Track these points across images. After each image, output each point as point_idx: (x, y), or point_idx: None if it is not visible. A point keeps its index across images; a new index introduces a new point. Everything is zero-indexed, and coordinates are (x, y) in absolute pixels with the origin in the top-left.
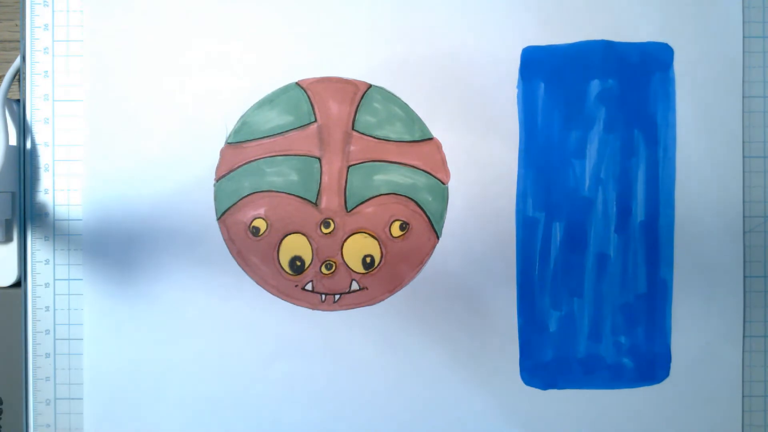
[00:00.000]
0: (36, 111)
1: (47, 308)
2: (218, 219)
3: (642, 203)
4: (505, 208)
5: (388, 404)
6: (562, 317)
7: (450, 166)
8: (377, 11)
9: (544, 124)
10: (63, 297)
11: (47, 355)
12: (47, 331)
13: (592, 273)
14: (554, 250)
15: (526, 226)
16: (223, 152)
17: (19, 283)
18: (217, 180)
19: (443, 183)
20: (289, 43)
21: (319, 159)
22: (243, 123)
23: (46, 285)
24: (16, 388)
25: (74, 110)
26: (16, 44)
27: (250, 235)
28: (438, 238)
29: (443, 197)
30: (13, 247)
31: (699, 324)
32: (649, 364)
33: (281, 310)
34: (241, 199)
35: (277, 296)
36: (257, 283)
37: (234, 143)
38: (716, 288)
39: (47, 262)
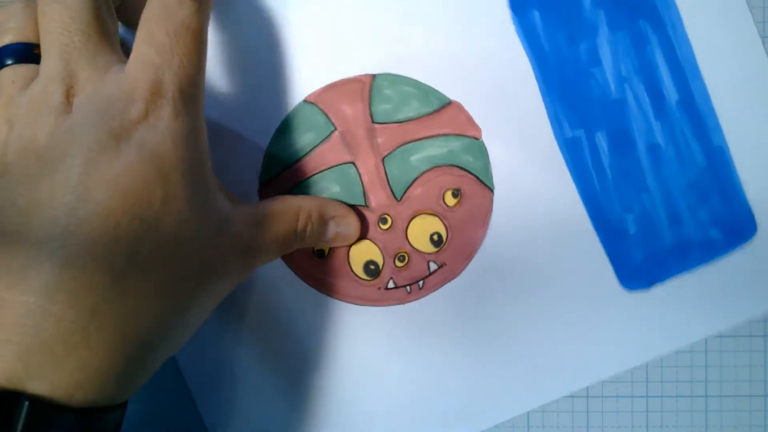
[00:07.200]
0: None
1: None
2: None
3: (671, 84)
4: (545, 138)
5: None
6: (637, 217)
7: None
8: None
9: (552, 48)
10: None
11: None
12: None
13: (650, 166)
14: (605, 159)
15: (570, 148)
16: (261, 193)
17: None
18: None
19: (477, 138)
20: (289, 65)
21: (353, 163)
22: (269, 157)
23: None
24: None
25: None
26: None
27: (317, 259)
28: (492, 191)
29: (482, 152)
30: None
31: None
32: (735, 227)
33: (373, 317)
34: None
35: (364, 305)
36: (341, 299)
37: (268, 180)
38: None
39: None
